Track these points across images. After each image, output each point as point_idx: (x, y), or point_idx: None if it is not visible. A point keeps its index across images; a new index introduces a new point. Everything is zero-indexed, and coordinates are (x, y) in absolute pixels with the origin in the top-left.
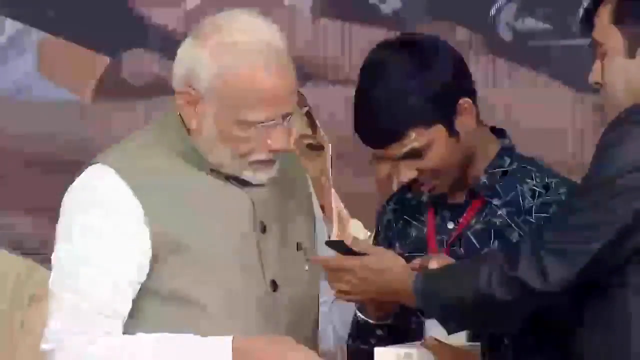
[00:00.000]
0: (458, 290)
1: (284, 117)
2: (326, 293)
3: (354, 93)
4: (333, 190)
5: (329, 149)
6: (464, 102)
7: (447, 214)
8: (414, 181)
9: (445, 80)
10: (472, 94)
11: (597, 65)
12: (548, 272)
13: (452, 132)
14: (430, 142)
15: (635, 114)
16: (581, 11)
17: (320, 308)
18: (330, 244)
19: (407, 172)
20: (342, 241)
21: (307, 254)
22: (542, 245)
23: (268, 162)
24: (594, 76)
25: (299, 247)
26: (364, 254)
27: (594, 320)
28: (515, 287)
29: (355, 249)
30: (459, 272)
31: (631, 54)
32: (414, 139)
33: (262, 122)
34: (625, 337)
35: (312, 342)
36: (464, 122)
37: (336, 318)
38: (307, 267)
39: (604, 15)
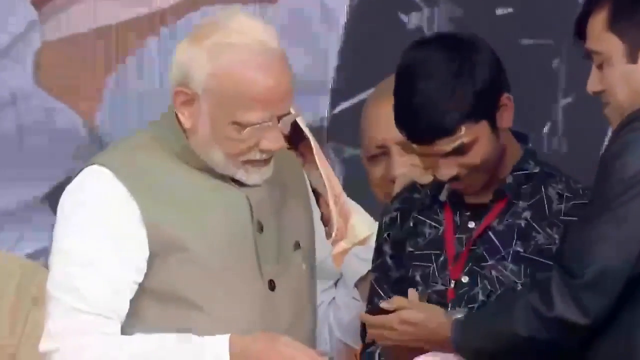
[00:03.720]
0: (496, 337)
1: (279, 118)
2: (322, 294)
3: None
4: (336, 182)
5: (312, 141)
6: (506, 98)
7: (467, 214)
8: (451, 179)
9: (490, 76)
10: (509, 89)
11: (594, 74)
12: (587, 307)
13: (494, 128)
14: (477, 138)
15: (635, 121)
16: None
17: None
18: (369, 310)
19: (448, 169)
20: (379, 306)
21: (306, 254)
22: (573, 280)
23: (262, 162)
24: (593, 85)
25: (296, 246)
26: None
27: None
28: (557, 326)
29: (390, 308)
30: (493, 318)
31: (633, 59)
32: (464, 133)
33: (256, 124)
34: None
35: (311, 340)
36: (504, 117)
37: (332, 320)
38: (304, 266)
39: (598, 23)
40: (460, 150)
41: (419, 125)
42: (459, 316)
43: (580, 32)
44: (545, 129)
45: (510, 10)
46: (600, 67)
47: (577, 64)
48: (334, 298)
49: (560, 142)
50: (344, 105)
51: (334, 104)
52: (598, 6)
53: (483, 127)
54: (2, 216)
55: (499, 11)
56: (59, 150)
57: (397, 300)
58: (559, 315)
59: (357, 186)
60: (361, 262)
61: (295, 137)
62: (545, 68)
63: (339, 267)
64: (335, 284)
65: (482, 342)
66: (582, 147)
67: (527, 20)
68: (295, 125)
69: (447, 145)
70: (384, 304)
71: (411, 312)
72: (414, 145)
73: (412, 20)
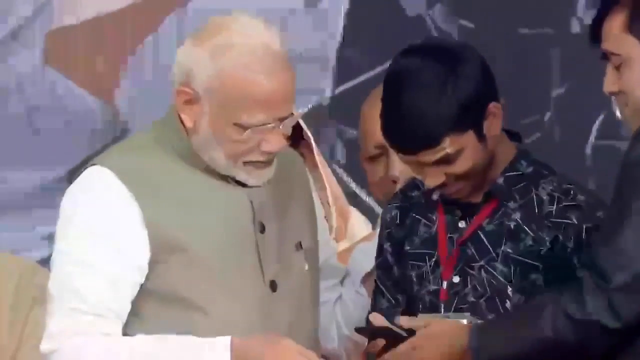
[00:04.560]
0: (519, 341)
1: (280, 120)
2: (328, 292)
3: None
4: (334, 183)
5: (312, 142)
6: (494, 107)
7: (458, 213)
8: (440, 185)
9: (477, 87)
10: (497, 97)
11: (610, 74)
12: (619, 311)
13: (481, 137)
14: (462, 148)
15: None
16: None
17: (322, 308)
18: (368, 330)
19: (435, 177)
20: (389, 328)
21: (308, 254)
22: (605, 282)
23: (264, 164)
24: (609, 86)
25: (298, 246)
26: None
27: None
28: (587, 328)
29: (405, 326)
30: (516, 323)
31: None
32: (448, 145)
33: (258, 125)
34: None
35: (313, 342)
36: (493, 126)
37: (339, 317)
38: (306, 267)
39: (616, 24)
40: (446, 160)
41: (403, 136)
42: (464, 321)
43: (595, 33)
44: (543, 117)
45: None
46: (617, 68)
47: (572, 55)
48: (340, 296)
49: (553, 131)
50: (346, 86)
51: (336, 84)
52: (616, 8)
53: (469, 137)
54: (23, 197)
55: None
56: (75, 132)
57: (409, 321)
58: (591, 317)
59: (359, 167)
60: (367, 258)
61: (295, 138)
62: (542, 58)
63: (345, 264)
64: (342, 281)
65: (503, 349)
66: (575, 136)
67: (525, 10)
68: (295, 126)
69: (431, 155)
70: (399, 329)
71: (426, 330)
72: (400, 155)
73: (412, 7)
